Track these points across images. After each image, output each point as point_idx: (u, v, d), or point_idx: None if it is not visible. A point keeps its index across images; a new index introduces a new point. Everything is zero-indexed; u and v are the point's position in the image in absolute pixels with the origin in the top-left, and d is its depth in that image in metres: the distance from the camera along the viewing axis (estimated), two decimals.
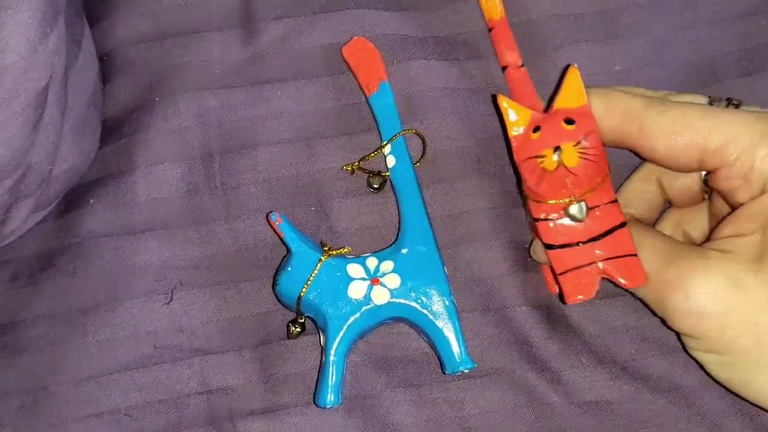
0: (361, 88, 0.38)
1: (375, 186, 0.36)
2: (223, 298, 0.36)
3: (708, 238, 0.32)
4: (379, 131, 0.37)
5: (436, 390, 0.34)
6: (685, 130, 0.30)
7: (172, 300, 0.35)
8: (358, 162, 0.37)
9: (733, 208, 0.31)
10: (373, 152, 0.36)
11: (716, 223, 0.31)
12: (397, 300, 0.33)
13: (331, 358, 0.33)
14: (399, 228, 0.36)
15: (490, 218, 0.36)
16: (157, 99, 0.37)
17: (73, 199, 0.37)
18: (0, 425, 0.33)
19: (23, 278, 0.36)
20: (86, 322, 0.35)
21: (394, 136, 0.36)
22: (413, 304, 0.33)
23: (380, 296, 0.33)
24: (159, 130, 0.37)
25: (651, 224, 0.35)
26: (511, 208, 0.36)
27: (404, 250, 0.34)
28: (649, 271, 0.30)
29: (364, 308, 0.33)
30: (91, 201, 0.36)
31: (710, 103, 0.32)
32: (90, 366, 0.34)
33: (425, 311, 0.33)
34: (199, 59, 0.38)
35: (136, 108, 0.38)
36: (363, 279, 0.33)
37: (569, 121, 0.31)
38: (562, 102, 0.31)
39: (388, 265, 0.34)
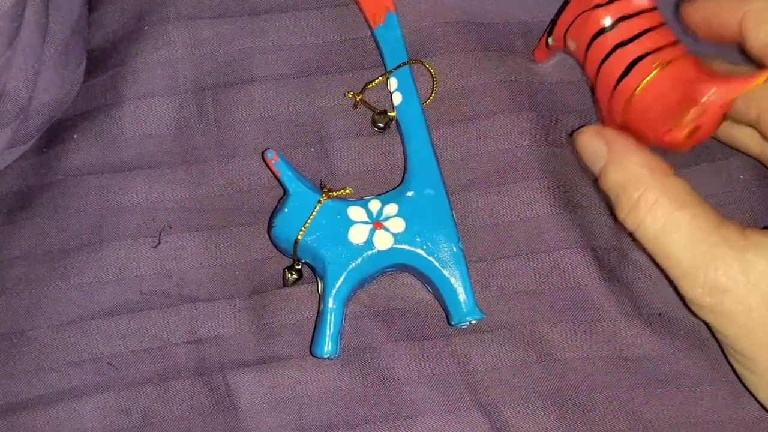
0: (366, 20, 0.35)
1: (380, 125, 0.34)
2: (214, 243, 0.33)
3: None
4: (385, 66, 0.34)
5: (440, 344, 0.32)
6: None
7: (160, 243, 0.33)
8: (362, 91, 0.34)
9: None
10: (378, 78, 0.34)
11: None
12: (401, 246, 0.31)
13: (330, 305, 0.30)
14: (404, 170, 0.33)
15: (503, 162, 0.34)
16: (146, 28, 0.35)
17: (55, 134, 0.34)
18: None
19: (1, 217, 0.33)
20: (68, 263, 0.32)
21: (401, 64, 0.34)
22: (418, 250, 0.31)
23: (383, 241, 0.31)
24: (148, 61, 0.34)
25: None
26: (526, 151, 0.34)
27: (410, 193, 0.32)
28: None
29: (365, 254, 0.31)
30: (75, 136, 0.34)
31: None
32: (71, 310, 0.32)
33: (431, 258, 0.31)
34: None
35: (124, 37, 0.35)
36: (365, 223, 0.31)
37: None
38: None
39: (392, 209, 0.31)
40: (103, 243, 0.33)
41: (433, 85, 0.34)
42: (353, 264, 0.31)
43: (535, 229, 0.33)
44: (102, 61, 0.35)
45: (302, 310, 0.33)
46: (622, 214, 0.29)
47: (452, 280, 0.31)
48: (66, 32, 0.33)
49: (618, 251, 0.33)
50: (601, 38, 0.30)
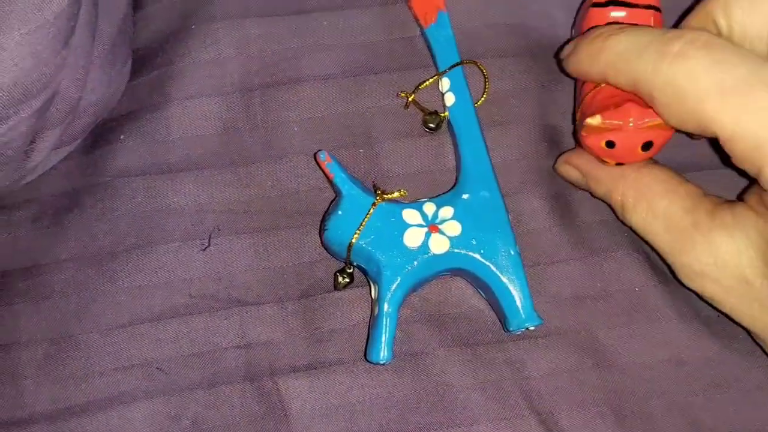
0: (416, 19, 0.34)
1: (431, 126, 0.33)
2: (263, 246, 0.33)
3: None
4: (436, 67, 0.34)
5: (494, 350, 0.32)
6: None
7: (209, 246, 0.32)
8: (414, 91, 0.33)
9: None
10: (430, 78, 0.33)
11: None
12: (458, 250, 0.30)
13: (385, 310, 0.30)
14: (458, 172, 0.33)
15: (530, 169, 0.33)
16: (193, 27, 0.34)
17: (102, 135, 0.34)
18: (22, 375, 0.31)
19: (47, 219, 0.33)
20: (116, 266, 0.32)
21: (455, 64, 0.33)
22: (475, 254, 0.30)
23: (439, 245, 0.30)
24: (195, 61, 0.34)
25: None
26: None
27: (465, 196, 0.31)
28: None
29: (421, 257, 0.30)
30: (122, 137, 0.33)
31: None
32: (120, 314, 0.31)
33: (488, 262, 0.30)
34: None
35: (170, 36, 0.34)
36: (420, 226, 0.30)
37: None
38: None
39: (447, 212, 0.31)
40: (152, 246, 0.32)
41: (485, 86, 0.34)
42: (409, 268, 0.30)
43: (587, 232, 0.33)
44: (148, 61, 0.35)
45: (353, 314, 0.32)
46: (620, 219, 0.31)
47: (510, 286, 0.30)
48: (113, 31, 0.33)
49: None
50: None
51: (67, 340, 0.31)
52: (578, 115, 0.31)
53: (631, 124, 0.27)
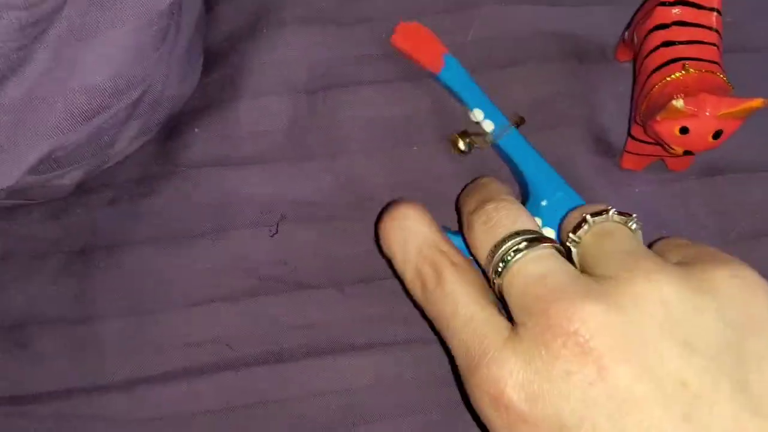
0: (425, 69, 0.37)
1: (463, 149, 0.35)
2: (323, 235, 0.35)
3: None
4: (465, 104, 0.36)
5: None
6: None
7: (277, 232, 0.35)
8: (462, 135, 0.36)
9: None
10: (475, 136, 0.36)
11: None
12: None
13: None
14: (522, 186, 0.35)
15: (587, 168, 0.36)
16: (265, 30, 0.36)
17: (176, 127, 0.36)
18: (103, 347, 0.33)
19: (123, 203, 0.35)
20: (192, 250, 0.34)
21: (508, 125, 0.35)
22: None
23: None
24: (264, 61, 0.36)
25: None
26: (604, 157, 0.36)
27: (543, 203, 0.34)
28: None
29: None
30: (196, 130, 0.36)
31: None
32: (193, 294, 0.34)
33: None
34: None
35: (241, 37, 0.37)
36: None
37: None
38: None
39: (537, 222, 0.33)
40: (224, 231, 0.34)
41: (519, 122, 0.36)
42: None
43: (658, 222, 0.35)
44: (219, 59, 0.37)
45: (406, 301, 0.35)
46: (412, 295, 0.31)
47: None
48: (191, 28, 0.35)
49: None
50: (654, 33, 0.33)
51: (145, 315, 0.33)
52: (642, 107, 0.33)
53: (708, 113, 0.29)
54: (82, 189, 0.35)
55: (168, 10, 0.29)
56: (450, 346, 0.28)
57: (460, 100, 0.36)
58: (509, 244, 0.27)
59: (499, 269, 0.28)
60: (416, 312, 0.34)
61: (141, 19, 0.28)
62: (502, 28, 0.38)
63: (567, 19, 0.38)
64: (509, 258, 0.27)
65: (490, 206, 0.29)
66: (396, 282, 0.35)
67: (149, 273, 0.34)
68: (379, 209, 0.35)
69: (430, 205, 0.35)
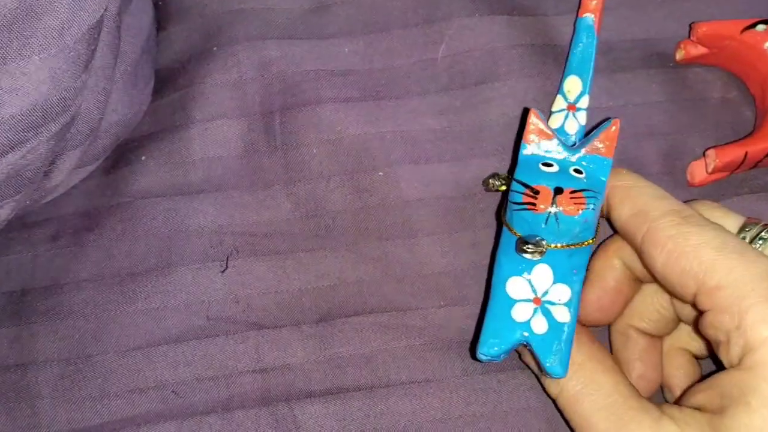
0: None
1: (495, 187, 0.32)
2: (281, 268, 0.32)
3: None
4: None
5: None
6: (689, 253, 0.25)
7: (227, 268, 0.32)
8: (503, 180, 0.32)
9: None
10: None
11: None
12: None
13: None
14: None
15: None
16: (215, 49, 0.34)
17: (123, 155, 0.34)
18: (38, 395, 0.31)
19: (66, 238, 0.33)
20: (136, 287, 0.32)
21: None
22: None
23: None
24: (217, 82, 0.34)
25: (662, 338, 0.31)
26: None
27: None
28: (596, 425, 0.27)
29: None
30: (143, 158, 0.33)
31: (743, 228, 0.28)
32: (138, 336, 0.31)
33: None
34: (261, 6, 0.34)
35: (192, 58, 0.35)
36: None
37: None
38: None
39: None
40: (171, 267, 0.32)
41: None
42: None
43: None
44: (170, 81, 0.35)
45: (371, 339, 0.31)
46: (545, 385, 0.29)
47: None
48: (136, 52, 0.33)
49: None
50: None
51: (84, 361, 0.31)
52: None
53: None
54: (23, 223, 0.33)
55: (87, 36, 0.27)
56: None
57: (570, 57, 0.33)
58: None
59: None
60: (383, 352, 0.31)
61: (52, 47, 0.25)
62: (475, 41, 0.34)
63: (545, 29, 0.35)
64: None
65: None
66: (360, 320, 0.32)
67: (90, 315, 0.31)
68: (342, 238, 0.32)
69: (398, 232, 0.32)
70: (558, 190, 0.27)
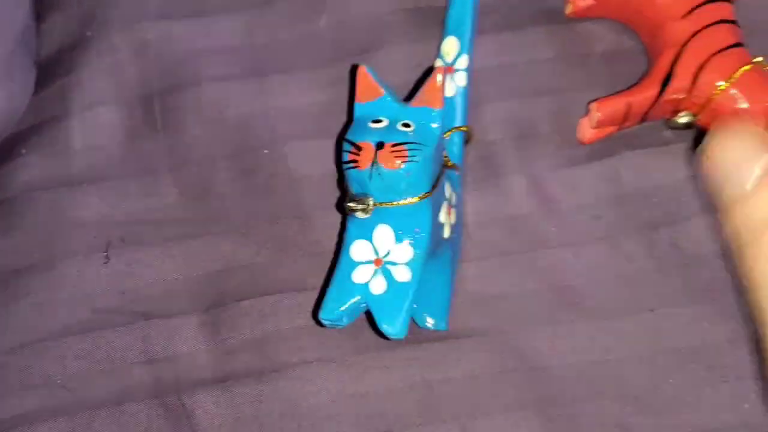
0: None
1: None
2: (170, 257, 0.32)
3: None
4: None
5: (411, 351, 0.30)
6: None
7: (109, 259, 0.31)
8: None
9: None
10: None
11: None
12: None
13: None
14: None
15: None
16: (89, 34, 0.33)
17: (4, 150, 0.33)
18: None
19: None
20: (20, 284, 0.31)
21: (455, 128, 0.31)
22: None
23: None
24: (93, 69, 0.33)
25: None
26: None
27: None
28: None
29: None
30: (23, 151, 0.33)
31: None
32: (25, 332, 0.31)
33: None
34: None
35: (69, 46, 0.34)
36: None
37: None
38: None
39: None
40: (55, 261, 0.31)
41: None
42: None
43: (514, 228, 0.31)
44: (50, 72, 0.34)
45: (262, 323, 0.31)
46: None
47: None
48: (9, 45, 0.32)
49: None
50: None
51: None
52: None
53: None
54: None
55: None
56: None
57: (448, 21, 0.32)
58: None
59: None
60: (274, 334, 0.30)
61: None
62: (358, 8, 0.33)
63: None
64: None
65: None
66: (251, 304, 0.31)
67: None
68: (236, 220, 0.32)
69: (289, 211, 0.32)
70: (380, 145, 0.26)
